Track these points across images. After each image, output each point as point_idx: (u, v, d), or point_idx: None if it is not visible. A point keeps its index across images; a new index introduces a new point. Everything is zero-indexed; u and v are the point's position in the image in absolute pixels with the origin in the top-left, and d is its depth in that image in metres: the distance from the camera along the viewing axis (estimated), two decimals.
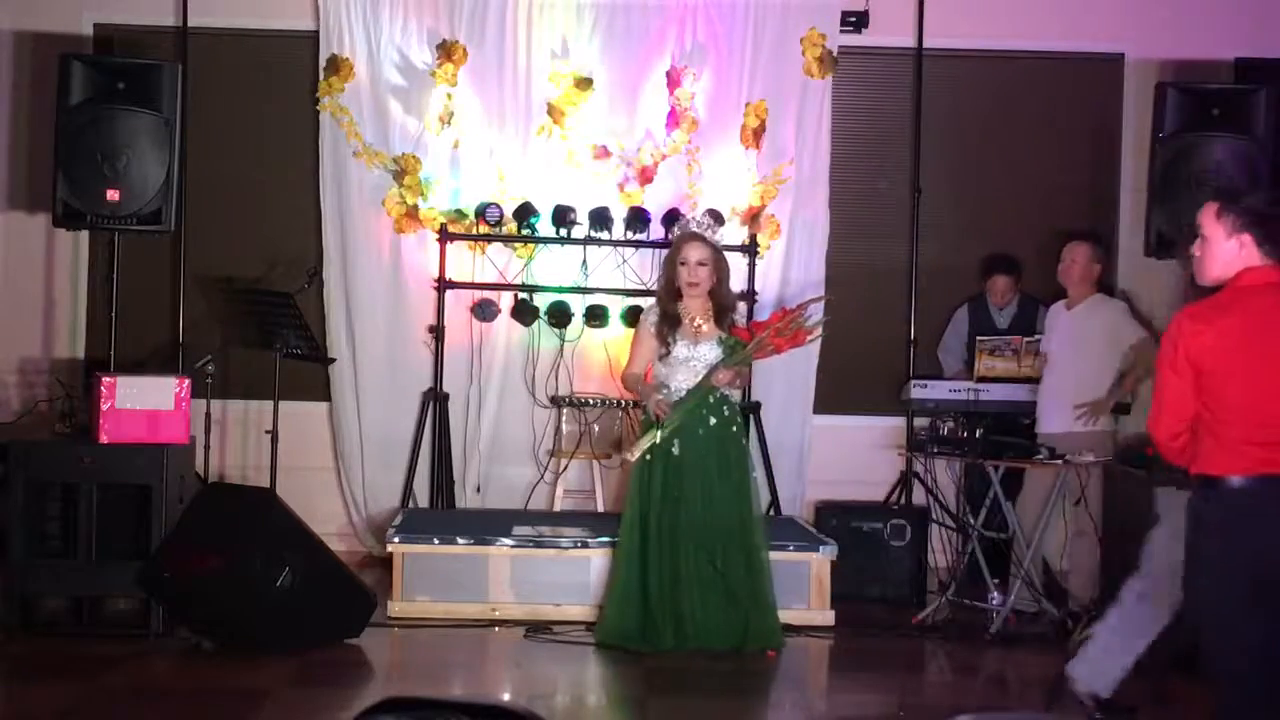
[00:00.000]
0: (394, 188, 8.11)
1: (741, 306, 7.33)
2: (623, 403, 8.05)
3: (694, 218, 6.76)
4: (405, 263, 8.18)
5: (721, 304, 6.46)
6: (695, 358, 6.38)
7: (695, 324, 6.42)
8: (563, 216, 7.94)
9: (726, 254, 8.02)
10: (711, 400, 6.37)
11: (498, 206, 7.96)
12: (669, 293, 6.48)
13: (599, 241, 8.01)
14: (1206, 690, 5.85)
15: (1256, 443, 3.95)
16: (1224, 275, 4.08)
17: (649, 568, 6.28)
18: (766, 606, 6.35)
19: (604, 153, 8.15)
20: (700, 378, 6.34)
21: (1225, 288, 4.08)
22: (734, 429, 6.45)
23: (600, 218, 7.95)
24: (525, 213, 7.94)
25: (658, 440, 6.28)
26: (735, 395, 6.62)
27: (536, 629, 6.59)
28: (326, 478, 8.26)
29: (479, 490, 8.18)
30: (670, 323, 6.42)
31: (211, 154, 8.14)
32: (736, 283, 8.06)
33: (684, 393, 6.35)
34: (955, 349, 8.06)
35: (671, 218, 7.94)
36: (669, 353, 6.39)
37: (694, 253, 6.40)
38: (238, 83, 8.26)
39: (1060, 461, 6.71)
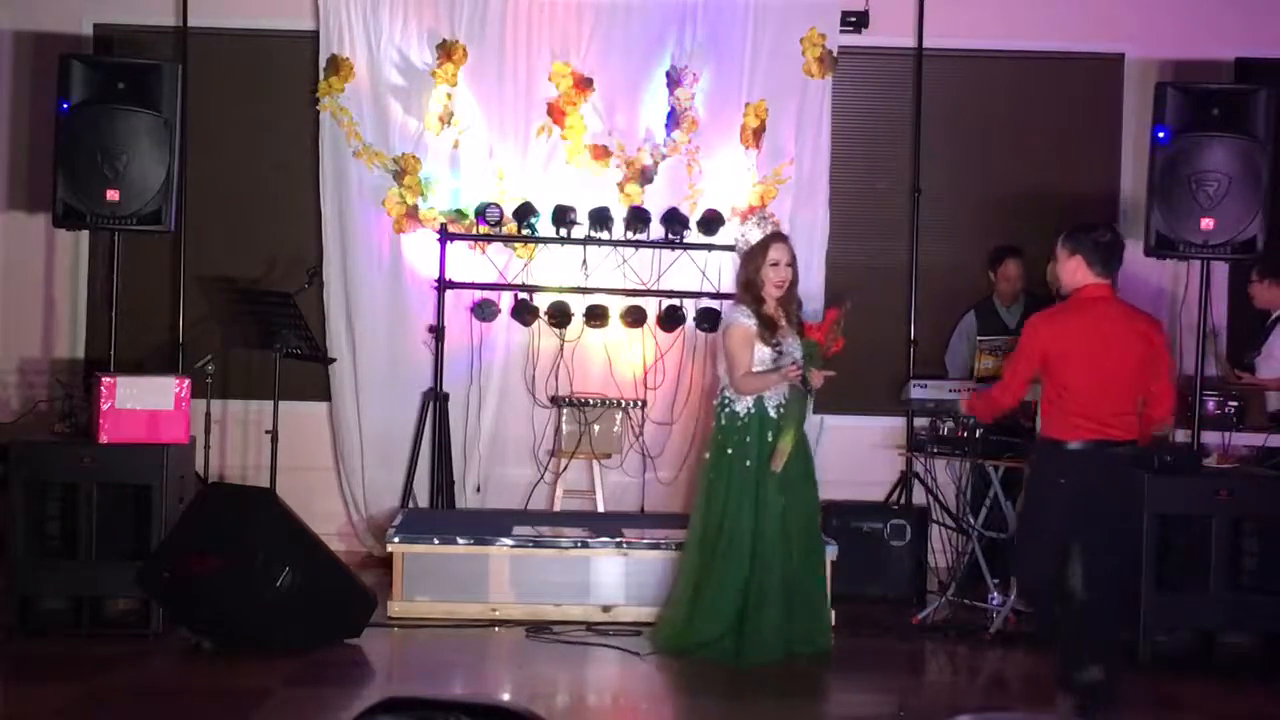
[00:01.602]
0: (394, 188, 8.11)
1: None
2: (622, 403, 8.06)
3: (762, 216, 6.58)
4: (405, 263, 8.18)
5: (792, 301, 6.40)
6: (786, 357, 6.29)
7: (781, 324, 6.35)
8: (563, 216, 7.94)
9: (726, 254, 8.11)
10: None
11: (498, 206, 7.96)
12: (753, 295, 6.34)
13: (599, 241, 8.01)
14: (1207, 690, 5.88)
15: (1089, 416, 5.32)
16: (1071, 286, 5.52)
17: (728, 578, 6.21)
18: (826, 607, 6.41)
19: (604, 153, 8.15)
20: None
21: (1070, 297, 5.52)
22: (806, 429, 6.41)
23: (600, 218, 7.95)
24: (525, 213, 7.94)
25: (794, 440, 6.21)
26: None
27: (546, 629, 6.59)
28: (326, 478, 8.26)
29: (479, 490, 8.18)
30: (769, 326, 6.30)
31: (211, 154, 8.14)
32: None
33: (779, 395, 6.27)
34: (962, 353, 8.03)
35: (671, 218, 7.96)
36: (780, 354, 6.26)
37: (784, 254, 6.32)
38: (238, 83, 8.26)
39: None
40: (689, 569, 6.37)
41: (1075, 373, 5.34)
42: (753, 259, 6.35)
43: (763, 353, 6.26)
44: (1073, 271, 5.50)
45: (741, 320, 6.29)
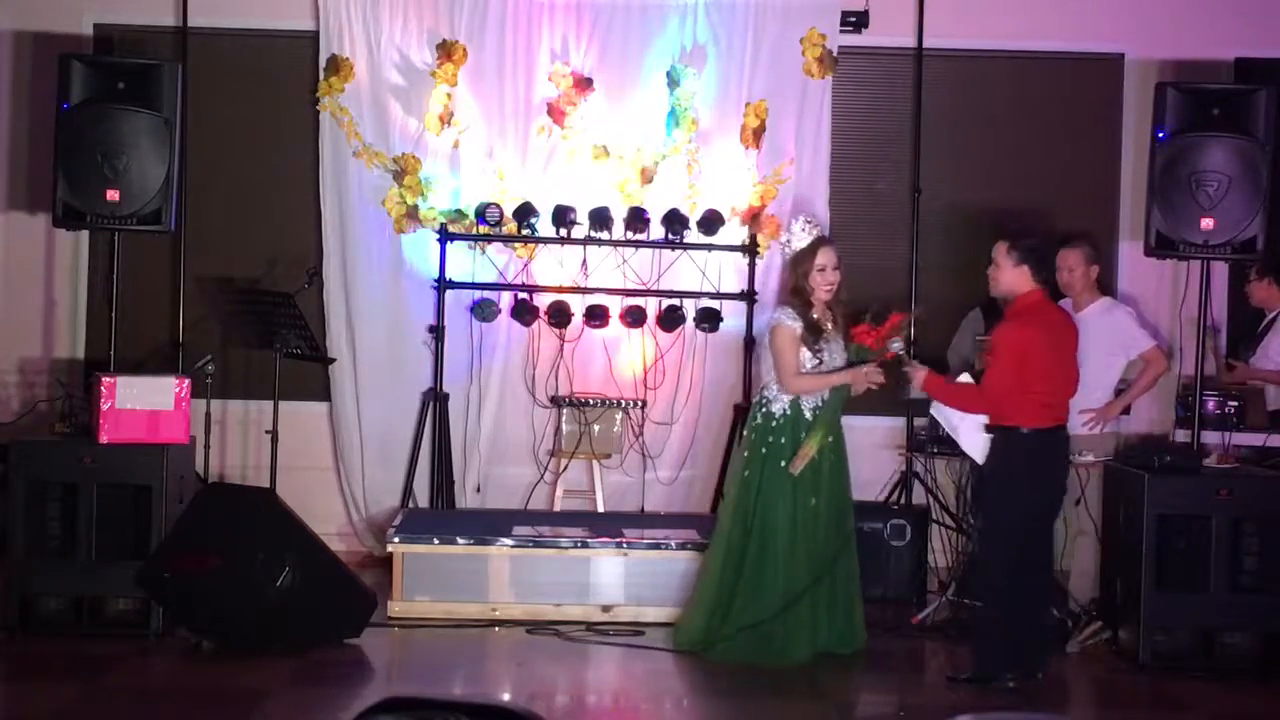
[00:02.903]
0: (394, 188, 8.11)
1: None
2: (622, 403, 8.06)
3: (805, 219, 6.47)
4: (405, 263, 8.18)
5: (838, 303, 6.39)
6: (836, 360, 6.32)
7: (829, 327, 6.35)
8: (563, 216, 7.93)
9: (726, 254, 8.12)
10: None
11: (498, 206, 7.96)
12: (801, 299, 6.32)
13: (599, 241, 8.01)
14: (1207, 690, 5.88)
15: (1047, 403, 5.90)
16: (1010, 291, 6.02)
17: (762, 578, 6.21)
18: (859, 606, 6.43)
19: (604, 153, 8.15)
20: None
21: (1015, 303, 6.00)
22: (841, 430, 6.42)
23: (600, 218, 7.95)
24: (525, 213, 7.94)
25: (820, 444, 6.23)
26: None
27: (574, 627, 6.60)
28: (326, 478, 8.26)
29: (479, 490, 8.18)
30: (814, 331, 6.29)
31: (211, 154, 8.14)
32: (736, 283, 8.11)
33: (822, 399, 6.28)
34: (962, 349, 8.02)
35: (672, 218, 7.96)
36: (821, 362, 6.27)
37: (832, 258, 6.30)
38: (238, 83, 8.26)
39: None
40: (715, 568, 6.35)
41: (1042, 367, 5.90)
42: (800, 263, 6.33)
43: (803, 356, 6.26)
44: (1018, 278, 5.99)
45: (787, 322, 6.27)
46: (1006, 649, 5.89)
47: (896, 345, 6.30)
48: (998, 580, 5.92)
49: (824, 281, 6.29)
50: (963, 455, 7.06)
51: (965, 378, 6.28)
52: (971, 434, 6.12)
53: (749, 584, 6.23)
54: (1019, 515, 5.92)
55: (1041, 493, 5.98)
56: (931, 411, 6.55)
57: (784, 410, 6.28)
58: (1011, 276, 5.99)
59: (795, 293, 6.33)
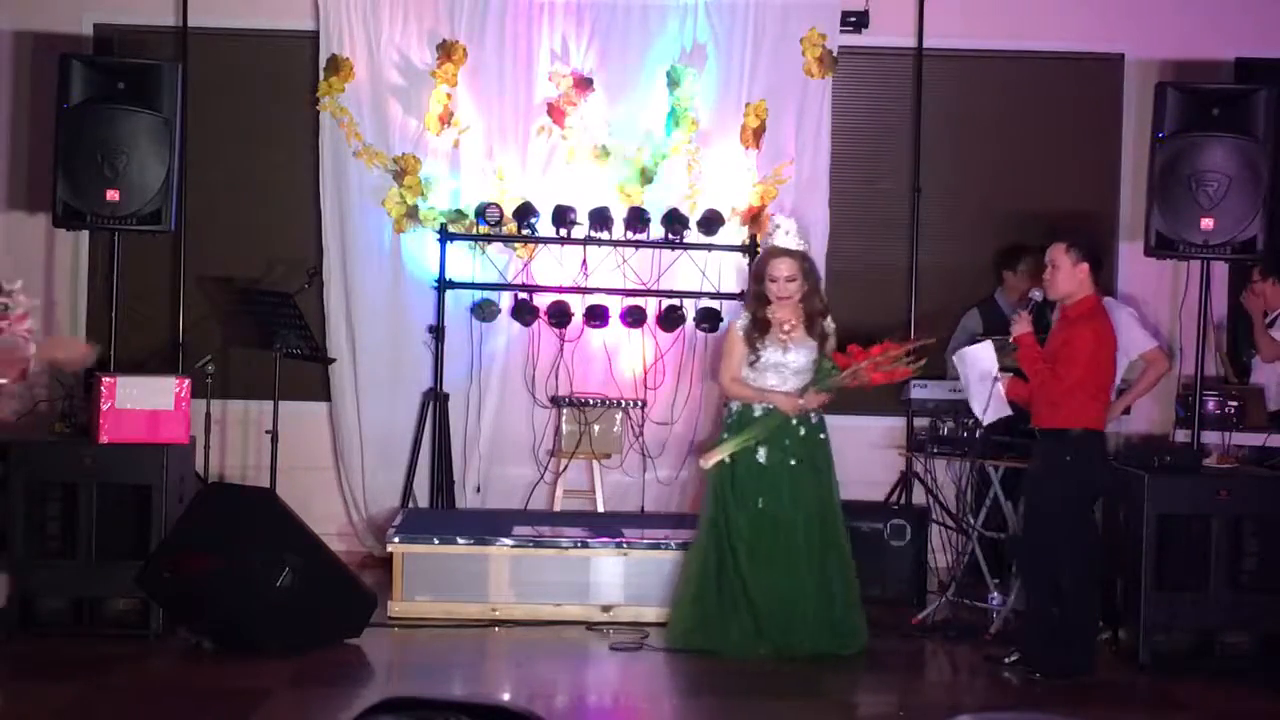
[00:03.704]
0: (394, 188, 8.11)
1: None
2: (622, 403, 8.06)
3: (777, 225, 6.56)
4: (405, 263, 8.18)
5: (811, 310, 6.43)
6: (785, 363, 6.38)
7: (785, 329, 6.40)
8: (563, 216, 7.93)
9: (726, 254, 8.11)
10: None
11: (498, 206, 7.96)
12: (758, 299, 6.44)
13: (599, 241, 8.01)
14: (1207, 690, 5.88)
15: (1107, 405, 6.23)
16: (1070, 293, 6.12)
17: (726, 572, 6.27)
18: (853, 606, 6.40)
19: (604, 153, 8.15)
20: (787, 384, 6.35)
21: (1081, 304, 6.10)
22: (822, 435, 6.45)
23: (600, 218, 7.94)
24: (525, 213, 7.94)
25: (738, 445, 6.30)
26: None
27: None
28: (326, 478, 8.26)
29: (479, 490, 8.18)
30: (760, 328, 6.40)
31: (211, 154, 8.14)
32: (736, 283, 8.10)
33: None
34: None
35: (672, 218, 7.96)
36: (758, 359, 6.38)
37: (782, 269, 6.37)
38: (238, 83, 8.26)
39: None
40: (692, 567, 6.43)
41: (1108, 369, 6.20)
42: (757, 272, 6.52)
43: (769, 355, 6.38)
44: (1084, 279, 6.11)
45: (738, 324, 6.49)
46: (1088, 643, 6.09)
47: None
48: (1081, 573, 6.00)
49: (776, 291, 6.39)
50: (963, 455, 7.09)
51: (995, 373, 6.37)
52: (982, 388, 6.33)
53: (714, 581, 6.34)
54: (1088, 511, 6.17)
55: (1095, 492, 6.26)
56: (954, 359, 6.76)
57: (737, 409, 6.42)
58: (1071, 277, 6.09)
59: (756, 296, 6.48)
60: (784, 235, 6.47)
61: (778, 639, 6.24)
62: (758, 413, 6.37)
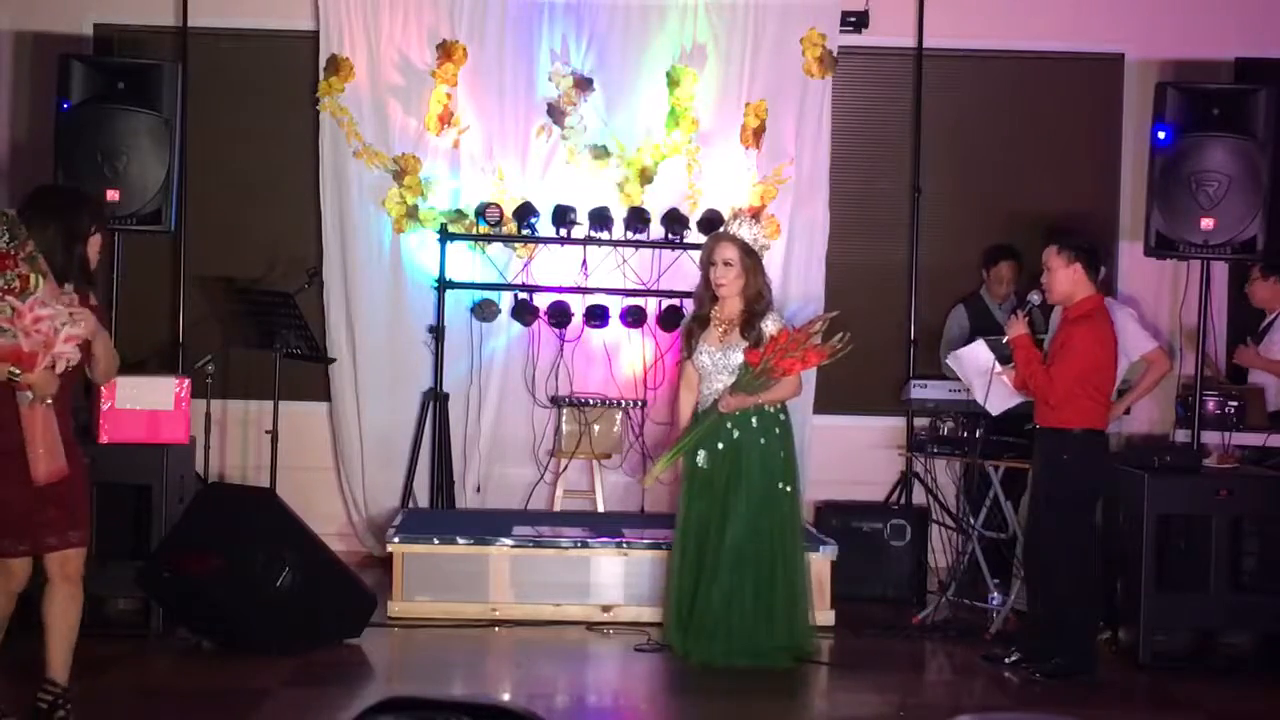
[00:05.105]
0: (394, 188, 8.11)
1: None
2: (622, 403, 8.06)
3: (739, 219, 6.37)
4: (405, 263, 8.18)
5: (749, 308, 6.19)
6: (719, 365, 6.20)
7: (721, 329, 6.23)
8: (563, 216, 7.93)
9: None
10: (735, 415, 6.18)
11: (498, 206, 7.96)
12: (707, 295, 6.29)
13: (599, 241, 8.01)
14: (1207, 690, 5.88)
15: (1108, 406, 6.18)
16: (1069, 294, 6.07)
17: (685, 577, 6.24)
18: (794, 616, 6.18)
19: (604, 153, 8.15)
20: (723, 386, 6.19)
21: (1082, 305, 6.04)
22: (761, 440, 6.16)
23: (600, 218, 7.95)
24: (525, 213, 7.94)
25: (667, 464, 6.29)
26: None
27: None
28: (326, 478, 8.26)
29: (479, 490, 8.18)
30: (700, 324, 6.29)
31: (211, 154, 8.14)
32: None
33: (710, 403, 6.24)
34: (956, 347, 8.01)
35: (672, 218, 7.96)
36: (689, 356, 6.30)
37: (720, 251, 6.18)
38: (238, 83, 8.26)
39: None
40: (671, 571, 6.43)
41: (1109, 371, 6.17)
42: (702, 258, 6.38)
43: (702, 357, 6.25)
44: (1080, 279, 6.07)
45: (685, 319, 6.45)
46: (1088, 643, 6.10)
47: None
48: (1081, 573, 6.00)
49: (715, 277, 6.20)
50: (964, 454, 7.09)
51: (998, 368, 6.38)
52: (982, 382, 6.38)
53: (668, 585, 6.40)
54: (1089, 511, 6.16)
55: (1095, 491, 6.23)
56: (949, 361, 6.78)
57: (700, 410, 6.35)
58: (1067, 277, 6.07)
59: (702, 285, 6.36)
60: (737, 225, 6.27)
61: (691, 647, 6.14)
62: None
